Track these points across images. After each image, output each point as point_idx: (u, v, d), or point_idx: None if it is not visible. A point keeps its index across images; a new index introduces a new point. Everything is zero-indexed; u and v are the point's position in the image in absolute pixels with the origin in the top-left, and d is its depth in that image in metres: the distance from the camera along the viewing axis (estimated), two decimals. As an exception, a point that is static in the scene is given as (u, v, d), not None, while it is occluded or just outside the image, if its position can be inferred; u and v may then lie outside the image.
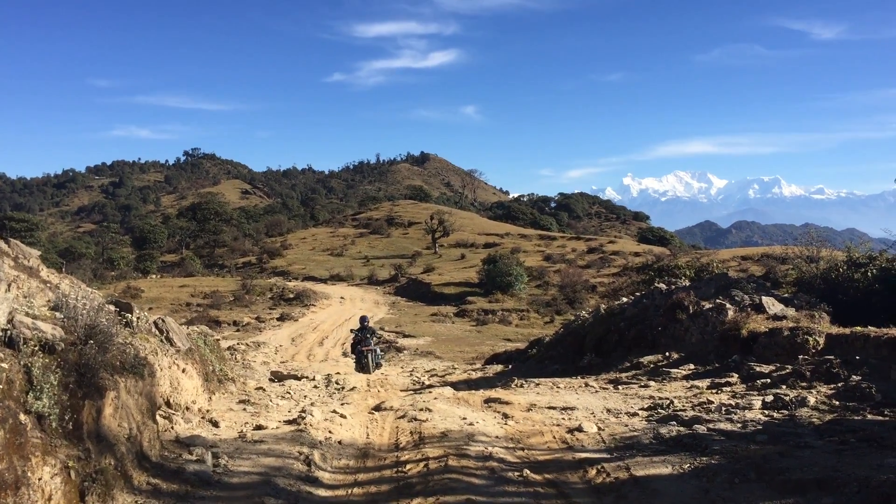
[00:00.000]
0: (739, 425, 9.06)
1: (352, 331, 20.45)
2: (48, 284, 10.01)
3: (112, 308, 8.91)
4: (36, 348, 5.84)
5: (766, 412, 9.75)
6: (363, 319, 20.31)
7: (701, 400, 10.91)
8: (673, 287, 17.98)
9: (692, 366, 13.86)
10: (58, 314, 6.85)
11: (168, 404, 9.52)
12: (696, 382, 12.65)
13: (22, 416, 5.33)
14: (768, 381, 11.67)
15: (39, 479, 5.30)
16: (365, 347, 19.04)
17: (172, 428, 8.90)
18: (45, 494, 5.32)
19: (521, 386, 14.24)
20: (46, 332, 6.06)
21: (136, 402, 7.24)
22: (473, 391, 14.11)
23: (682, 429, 9.02)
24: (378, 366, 19.51)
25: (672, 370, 13.80)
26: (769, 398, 10.28)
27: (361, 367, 18.95)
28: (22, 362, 5.63)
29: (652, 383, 13.11)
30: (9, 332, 5.78)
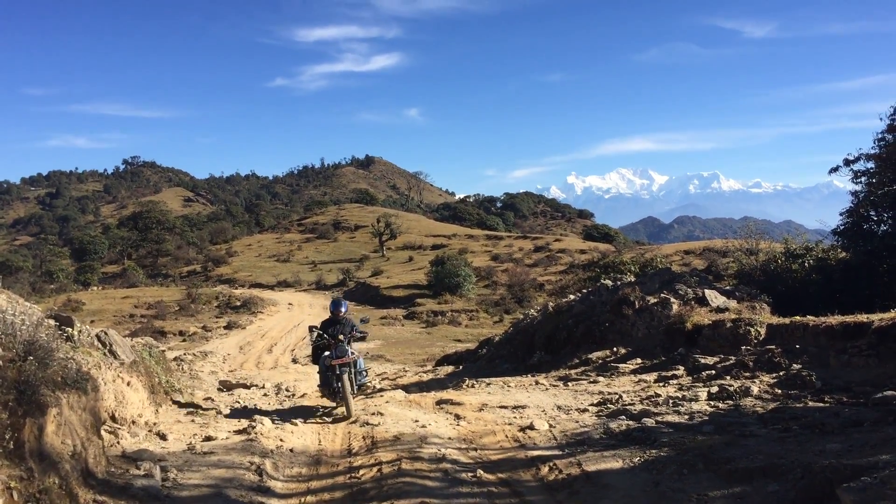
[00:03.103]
0: (686, 417, 9.24)
1: (312, 329, 12.16)
2: (-16, 300, 9.71)
3: (52, 322, 8.69)
4: (-28, 367, 5.65)
5: (712, 403, 9.97)
6: (337, 304, 12.41)
7: (649, 393, 11.09)
8: (619, 283, 18.24)
9: (640, 360, 14.08)
10: (-5, 331, 6.64)
11: (113, 419, 9.31)
12: (644, 376, 12.87)
13: (-41, 438, 5.16)
14: (713, 372, 11.93)
15: (-20, 502, 5.14)
16: (336, 359, 11.38)
17: (119, 443, 8.70)
18: (-13, 517, 5.16)
19: (473, 386, 14.28)
20: (-17, 349, 5.86)
21: (80, 417, 7.05)
22: (425, 393, 14.11)
23: (631, 423, 9.16)
24: (361, 387, 12.53)
25: (620, 365, 14.00)
26: (714, 389, 10.51)
27: (331, 391, 11.58)
28: (-42, 382, 5.44)
29: (601, 379, 13.28)
30: (-57, 350, 5.59)
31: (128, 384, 10.01)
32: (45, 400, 6.29)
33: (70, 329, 9.32)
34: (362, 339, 12.40)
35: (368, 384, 13.01)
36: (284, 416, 11.38)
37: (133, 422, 9.71)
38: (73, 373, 7.20)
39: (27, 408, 6.02)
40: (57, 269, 71.63)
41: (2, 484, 5.41)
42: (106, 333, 10.73)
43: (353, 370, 11.58)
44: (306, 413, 11.80)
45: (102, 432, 8.01)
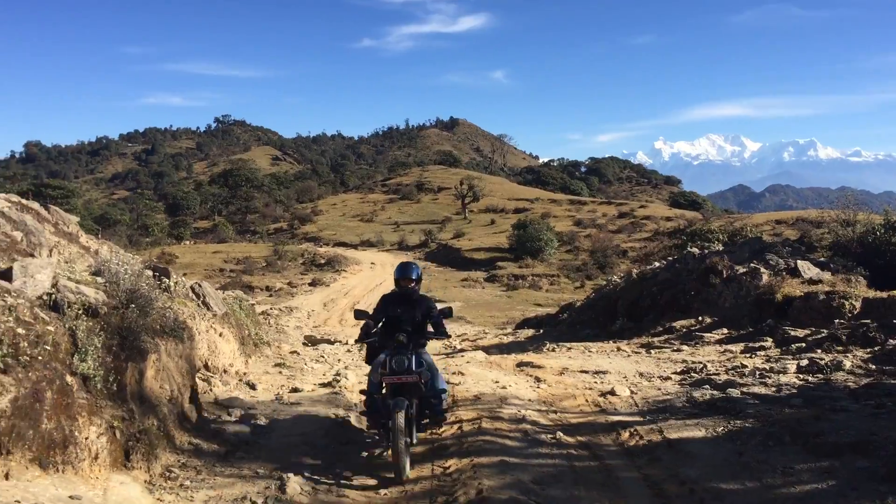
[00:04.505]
0: (774, 389, 9.02)
1: (359, 314, 7.69)
2: (87, 250, 10.20)
3: (150, 273, 9.05)
4: (80, 312, 5.97)
5: (801, 376, 9.70)
6: (405, 270, 7.70)
7: (735, 364, 10.88)
8: (706, 251, 17.87)
9: (725, 330, 13.80)
10: (99, 279, 6.98)
11: (206, 367, 9.71)
12: (730, 347, 12.62)
13: (68, 378, 5.48)
14: (803, 345, 11.59)
15: (86, 439, 5.46)
16: (391, 375, 6.91)
17: (211, 390, 9.08)
18: (92, 453, 5.48)
19: (553, 350, 14.29)
20: (90, 296, 6.18)
21: (177, 364, 7.38)
22: (505, 355, 14.18)
23: (715, 392, 9.01)
24: (437, 423, 7.70)
25: (705, 334, 13.76)
26: (804, 362, 10.22)
27: (380, 426, 7.00)
28: (67, 325, 5.76)
29: (685, 347, 13.09)
30: (53, 296, 5.91)
31: (220, 335, 10.40)
32: (145, 346, 6.60)
33: (167, 280, 9.69)
34: (442, 336, 7.54)
35: (447, 415, 7.89)
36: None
37: (224, 371, 10.10)
38: (170, 321, 7.52)
39: (129, 353, 6.33)
40: (152, 223, 74.34)
41: (106, 423, 5.72)
42: (200, 285, 11.12)
43: (416, 400, 6.93)
44: None
45: (197, 379, 8.36)
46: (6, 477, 4.65)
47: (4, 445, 4.73)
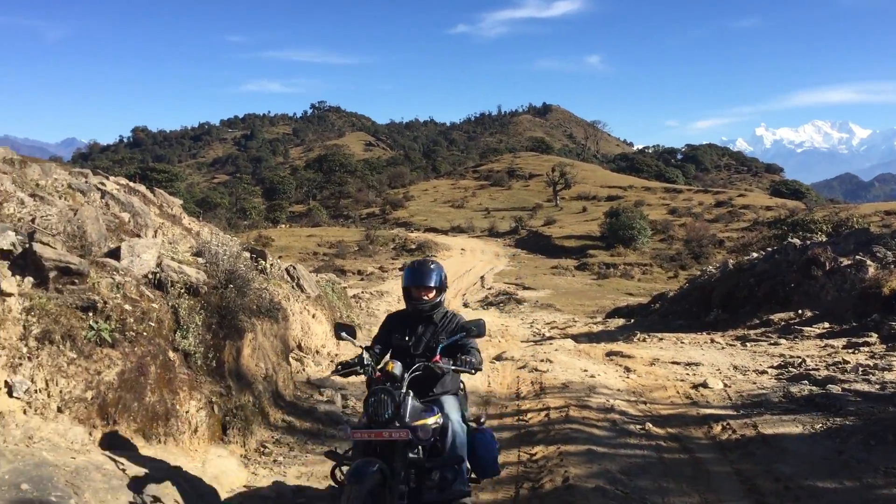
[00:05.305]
0: (878, 387, 8.64)
1: (341, 331, 4.96)
2: (189, 232, 10.61)
3: (248, 255, 9.35)
4: (182, 290, 6.23)
5: (908, 374, 9.25)
6: (419, 274, 4.95)
7: (836, 359, 10.46)
8: (808, 242, 17.23)
9: (827, 324, 13.29)
10: (200, 259, 7.26)
11: (300, 347, 9.97)
12: (831, 342, 12.13)
13: (171, 353, 5.73)
14: (912, 342, 11.05)
15: (186, 412, 5.71)
16: (361, 430, 4.23)
17: (304, 370, 9.33)
18: (192, 426, 5.73)
19: (644, 340, 14.07)
20: (191, 275, 6.44)
21: (272, 344, 7.62)
22: (594, 344, 14.05)
23: (814, 388, 8.70)
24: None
25: (805, 328, 13.28)
26: (912, 360, 9.75)
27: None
28: (170, 303, 6.02)
29: (783, 341, 12.67)
30: (158, 275, 6.19)
31: (313, 316, 10.67)
32: (242, 325, 6.84)
33: (263, 262, 10.00)
34: (467, 369, 4.62)
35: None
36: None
37: (317, 352, 10.36)
38: (266, 302, 7.77)
39: (227, 331, 6.57)
40: (250, 206, 76.54)
41: (205, 398, 5.97)
42: (294, 268, 11.42)
43: (408, 470, 4.34)
44: None
45: (290, 359, 8.61)
46: (112, 446, 4.91)
47: (111, 416, 5.00)
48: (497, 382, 10.20)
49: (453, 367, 4.59)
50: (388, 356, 4.93)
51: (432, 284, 4.92)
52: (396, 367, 4.40)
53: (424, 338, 4.89)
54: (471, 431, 4.79)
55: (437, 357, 4.64)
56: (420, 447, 4.35)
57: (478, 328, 4.75)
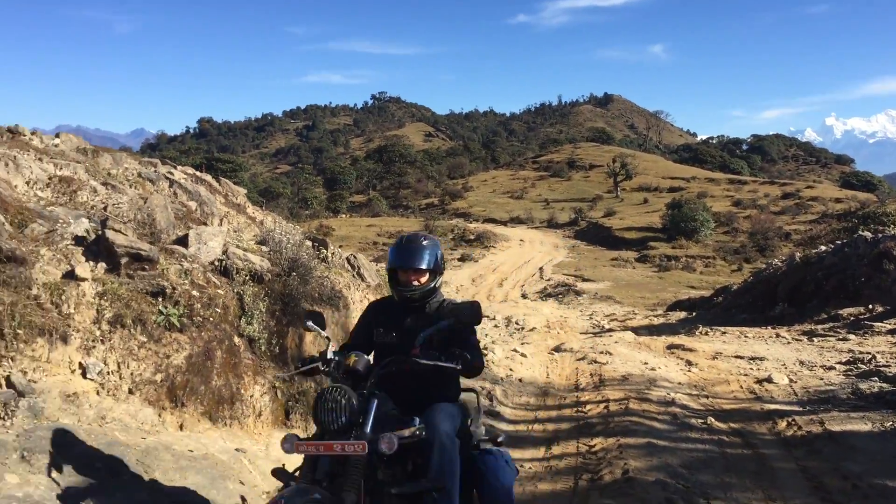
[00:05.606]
0: (952, 386, 8.36)
1: (309, 318, 3.91)
2: (253, 220, 10.81)
3: (310, 244, 9.48)
4: (247, 278, 6.37)
5: None
6: (409, 253, 3.87)
7: (908, 357, 10.15)
8: (880, 235, 16.70)
9: (898, 320, 12.89)
10: (263, 247, 7.40)
11: (360, 335, 10.06)
12: (903, 338, 11.78)
13: (236, 339, 5.87)
14: None
15: (251, 396, 5.84)
16: (312, 447, 3.16)
17: (364, 357, 9.42)
18: (256, 410, 5.86)
19: (706, 333, 13.86)
20: (255, 263, 6.58)
21: (333, 332, 7.72)
22: (655, 337, 13.89)
23: (885, 385, 8.46)
24: None
25: (875, 324, 12.91)
26: None
27: None
28: (235, 290, 6.16)
29: (852, 336, 12.34)
30: (224, 262, 6.33)
31: (373, 305, 10.75)
32: (305, 312, 6.95)
33: (324, 251, 10.12)
34: (459, 363, 3.59)
35: None
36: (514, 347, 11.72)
37: (376, 340, 10.44)
38: (327, 290, 7.88)
39: (290, 318, 6.69)
40: (311, 196, 77.57)
41: (268, 383, 6.10)
42: (355, 257, 11.53)
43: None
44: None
45: (351, 346, 8.71)
46: (180, 427, 5.06)
47: (179, 399, 5.15)
48: (556, 374, 10.18)
49: (433, 362, 3.53)
50: (370, 355, 3.80)
51: (424, 266, 3.86)
52: (360, 362, 3.44)
53: (412, 335, 3.73)
54: (478, 452, 3.78)
55: (416, 349, 3.58)
56: (398, 468, 3.37)
57: (470, 313, 3.69)
